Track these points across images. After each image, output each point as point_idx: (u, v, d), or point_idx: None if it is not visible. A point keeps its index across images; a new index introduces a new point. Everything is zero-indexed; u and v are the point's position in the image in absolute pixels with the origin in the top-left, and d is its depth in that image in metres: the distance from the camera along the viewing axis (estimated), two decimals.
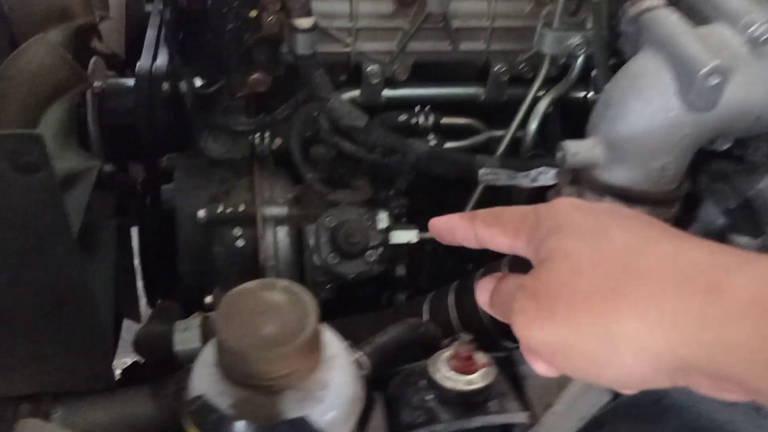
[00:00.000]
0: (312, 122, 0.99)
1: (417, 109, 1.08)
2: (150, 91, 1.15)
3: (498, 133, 1.09)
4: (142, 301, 1.37)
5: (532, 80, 1.09)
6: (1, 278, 0.73)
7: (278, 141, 1.05)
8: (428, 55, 1.05)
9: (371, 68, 1.03)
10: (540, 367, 0.45)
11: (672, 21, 0.72)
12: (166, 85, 1.12)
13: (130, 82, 1.18)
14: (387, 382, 0.76)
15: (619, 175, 0.75)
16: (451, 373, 0.69)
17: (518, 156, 1.04)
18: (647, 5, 0.75)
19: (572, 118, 1.11)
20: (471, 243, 0.49)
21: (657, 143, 0.72)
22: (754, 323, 0.34)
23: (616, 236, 0.40)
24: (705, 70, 0.66)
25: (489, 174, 0.95)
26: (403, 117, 1.07)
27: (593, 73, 1.06)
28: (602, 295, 0.39)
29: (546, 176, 0.92)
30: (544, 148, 1.05)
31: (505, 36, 1.05)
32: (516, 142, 1.07)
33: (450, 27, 1.01)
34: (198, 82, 0.98)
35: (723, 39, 0.72)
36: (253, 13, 0.92)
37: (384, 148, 0.96)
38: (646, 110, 0.71)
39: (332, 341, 0.62)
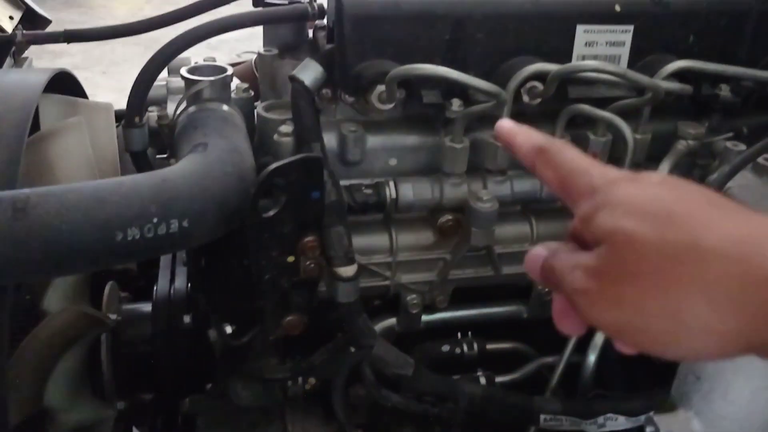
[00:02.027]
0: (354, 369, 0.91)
1: (459, 335, 1.02)
2: (169, 320, 1.08)
3: (549, 359, 1.01)
4: None
5: None
6: None
7: (312, 381, 0.96)
8: (469, 281, 1.00)
9: (410, 298, 0.98)
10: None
11: None
12: (187, 318, 1.05)
13: (147, 307, 1.11)
14: None
15: None
16: None
17: (577, 389, 0.96)
18: None
19: None
20: (525, 163, 0.49)
21: (762, 423, 0.64)
22: None
23: (676, 213, 0.39)
24: None
25: (551, 420, 0.86)
26: (446, 347, 1.00)
27: None
28: (669, 278, 0.38)
29: (615, 422, 0.84)
30: (600, 380, 0.97)
31: None
32: (569, 367, 0.99)
33: (493, 254, 0.96)
34: (228, 328, 0.90)
35: None
36: (291, 259, 0.87)
37: (434, 395, 0.88)
38: (747, 388, 0.64)
39: None
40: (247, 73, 1.23)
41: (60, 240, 0.67)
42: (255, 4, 1.02)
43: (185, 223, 0.75)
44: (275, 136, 0.89)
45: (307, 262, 0.87)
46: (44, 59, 3.40)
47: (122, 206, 0.70)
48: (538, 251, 0.47)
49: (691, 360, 0.40)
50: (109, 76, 4.18)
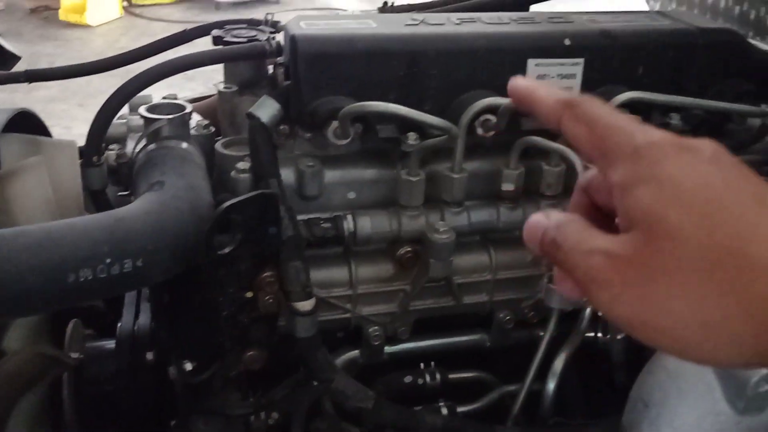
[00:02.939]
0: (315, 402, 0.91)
1: (422, 366, 1.02)
2: (132, 357, 1.07)
3: (511, 388, 1.02)
4: None
5: (538, 324, 1.05)
6: None
7: (275, 416, 0.96)
8: (430, 311, 1.00)
9: (372, 330, 0.98)
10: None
11: None
12: (150, 355, 1.05)
13: (111, 344, 1.10)
14: None
15: None
16: None
17: (538, 417, 0.97)
18: None
19: (582, 356, 1.06)
20: (546, 120, 0.44)
21: None
22: None
23: (726, 209, 0.36)
24: (756, 379, 0.62)
25: None
26: (408, 378, 1.00)
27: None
28: (708, 284, 0.35)
29: None
30: (562, 407, 0.98)
31: (508, 286, 1.02)
32: (532, 394, 1.00)
33: (452, 284, 0.97)
34: (188, 365, 0.90)
35: None
36: (250, 294, 0.87)
37: (395, 427, 0.88)
38: (693, 414, 0.66)
39: None
40: (211, 109, 1.24)
41: (10, 283, 0.67)
42: (215, 42, 1.04)
43: (139, 263, 0.75)
44: (233, 173, 0.90)
45: (266, 298, 0.88)
46: (20, 92, 3.41)
47: (74, 247, 0.70)
48: (539, 220, 0.42)
49: (707, 365, 0.40)
50: (86, 109, 4.18)
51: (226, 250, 0.81)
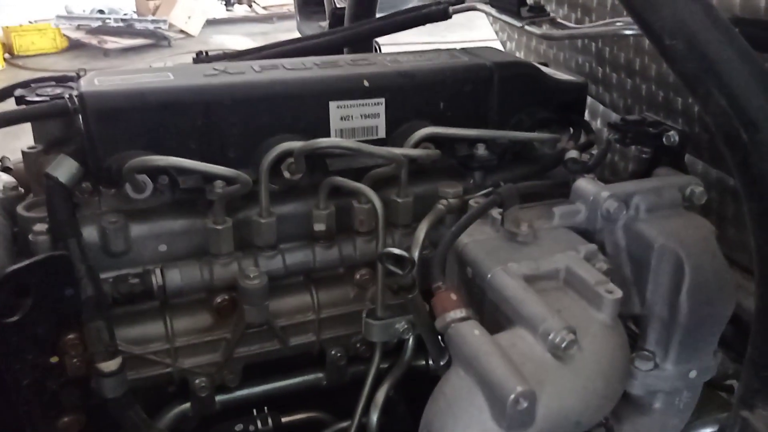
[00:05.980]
0: None
1: (255, 412, 1.02)
2: None
3: (344, 424, 1.03)
4: None
5: (371, 358, 1.06)
6: None
7: None
8: (258, 356, 1.00)
9: (198, 381, 0.97)
10: None
11: (475, 338, 0.71)
12: None
13: None
14: None
15: None
16: None
17: None
18: (451, 317, 0.75)
19: (415, 385, 1.08)
20: None
21: None
22: None
23: None
24: (512, 397, 0.65)
25: None
26: (239, 426, 1.00)
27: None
28: None
29: None
30: None
31: (334, 323, 1.03)
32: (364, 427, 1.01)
33: (275, 328, 0.98)
34: None
35: (526, 348, 0.72)
36: (55, 359, 0.85)
37: None
38: None
39: None
40: None
41: None
42: (17, 102, 1.01)
43: None
44: (30, 236, 0.87)
45: (73, 360, 0.86)
46: None
47: None
48: None
49: None
50: None
51: (15, 317, 0.79)
